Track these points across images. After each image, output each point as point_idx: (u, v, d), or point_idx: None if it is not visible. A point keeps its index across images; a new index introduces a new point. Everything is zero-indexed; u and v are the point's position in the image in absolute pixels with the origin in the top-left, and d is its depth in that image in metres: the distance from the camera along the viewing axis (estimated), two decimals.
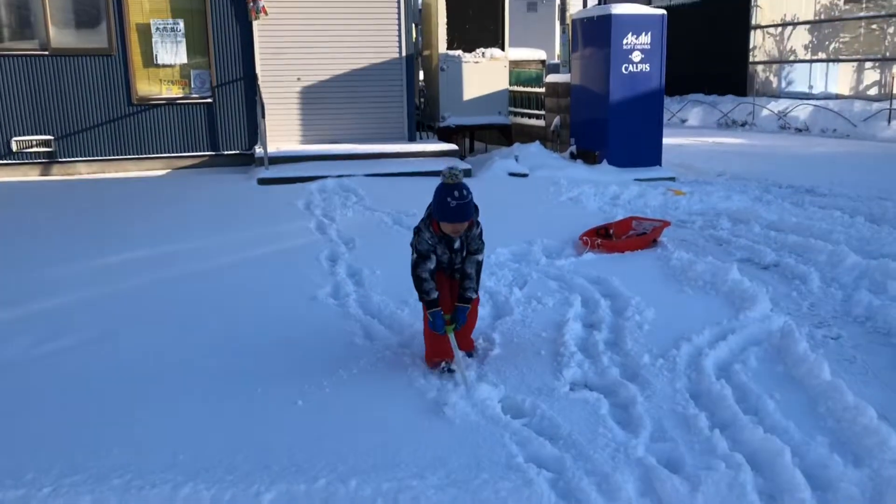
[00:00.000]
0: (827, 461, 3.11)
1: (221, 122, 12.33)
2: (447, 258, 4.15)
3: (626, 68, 11.37)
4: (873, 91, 20.20)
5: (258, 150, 11.57)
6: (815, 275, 5.89)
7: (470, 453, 3.30)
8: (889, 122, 17.35)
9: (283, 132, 12.50)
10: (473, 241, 4.13)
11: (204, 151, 12.40)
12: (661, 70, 11.59)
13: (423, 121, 14.35)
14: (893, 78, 18.62)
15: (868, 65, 20.37)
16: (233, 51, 12.11)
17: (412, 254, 4.12)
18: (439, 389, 3.92)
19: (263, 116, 10.99)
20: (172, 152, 12.28)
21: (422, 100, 14.77)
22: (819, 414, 3.63)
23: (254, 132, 12.39)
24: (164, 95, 12.11)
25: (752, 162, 13.20)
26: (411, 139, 12.88)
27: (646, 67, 11.45)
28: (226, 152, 12.45)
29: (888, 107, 17.53)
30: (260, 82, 11.82)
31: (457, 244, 4.09)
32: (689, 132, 19.45)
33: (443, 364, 4.13)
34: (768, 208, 8.67)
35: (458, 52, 13.75)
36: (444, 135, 13.79)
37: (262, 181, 10.50)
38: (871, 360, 4.34)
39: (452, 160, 11.67)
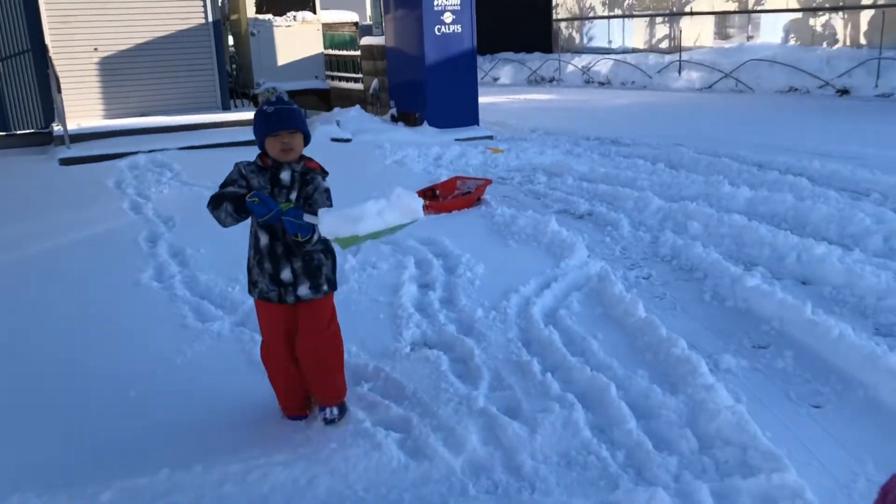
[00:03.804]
0: (648, 392, 3.41)
1: (10, 98, 11.25)
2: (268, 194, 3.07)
3: (439, 29, 11.52)
4: (664, 44, 21.72)
5: (56, 127, 10.69)
6: (624, 220, 6.34)
7: (318, 425, 3.31)
8: (680, 73, 18.78)
9: (83, 107, 11.62)
10: (319, 195, 3.07)
11: None
12: (473, 30, 11.84)
13: (236, 88, 13.85)
14: (681, 32, 20.12)
15: (659, 20, 21.85)
16: (15, 19, 11.02)
17: None
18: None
19: (59, 91, 10.14)
20: None
21: (233, 66, 14.22)
22: (637, 349, 3.96)
23: (49, 108, 11.40)
24: None
25: (561, 116, 13.85)
26: (225, 108, 12.40)
27: (458, 28, 11.65)
28: (19, 132, 11.41)
29: (678, 59, 18.95)
30: (51, 54, 10.88)
31: (285, 176, 3.06)
32: (502, 90, 20.08)
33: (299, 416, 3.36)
34: (579, 160, 9.18)
35: (269, 16, 13.33)
36: None
37: (65, 161, 9.74)
38: (678, 295, 4.77)
39: None
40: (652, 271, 5.22)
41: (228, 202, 2.97)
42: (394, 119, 12.42)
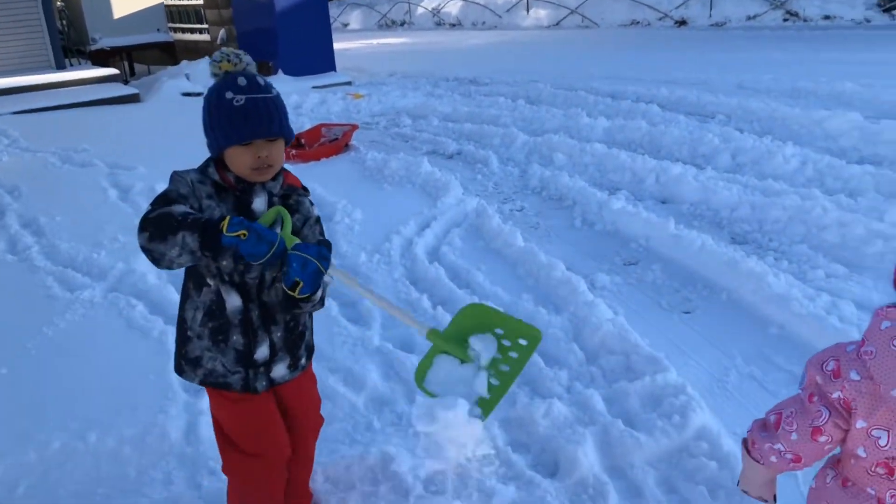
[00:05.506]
0: (534, 314, 3.57)
1: None
2: None
3: None
4: None
5: None
6: (493, 157, 6.48)
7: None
8: (528, 11, 19.11)
9: None
10: (310, 230, 2.01)
11: None
12: None
13: (70, 46, 12.87)
14: None
15: None
16: None
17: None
18: (165, 322, 3.76)
19: None
20: None
21: (63, 22, 13.19)
22: (520, 276, 4.12)
23: None
24: None
25: (417, 59, 13.83)
26: (60, 67, 11.51)
27: None
28: None
29: None
30: None
31: (260, 204, 1.95)
32: (354, 35, 19.76)
33: None
34: (441, 101, 9.24)
35: None
36: (99, 59, 12.53)
37: None
38: (551, 223, 4.97)
39: (114, 85, 10.70)
40: (524, 203, 5.40)
41: (188, 231, 1.72)
42: None
